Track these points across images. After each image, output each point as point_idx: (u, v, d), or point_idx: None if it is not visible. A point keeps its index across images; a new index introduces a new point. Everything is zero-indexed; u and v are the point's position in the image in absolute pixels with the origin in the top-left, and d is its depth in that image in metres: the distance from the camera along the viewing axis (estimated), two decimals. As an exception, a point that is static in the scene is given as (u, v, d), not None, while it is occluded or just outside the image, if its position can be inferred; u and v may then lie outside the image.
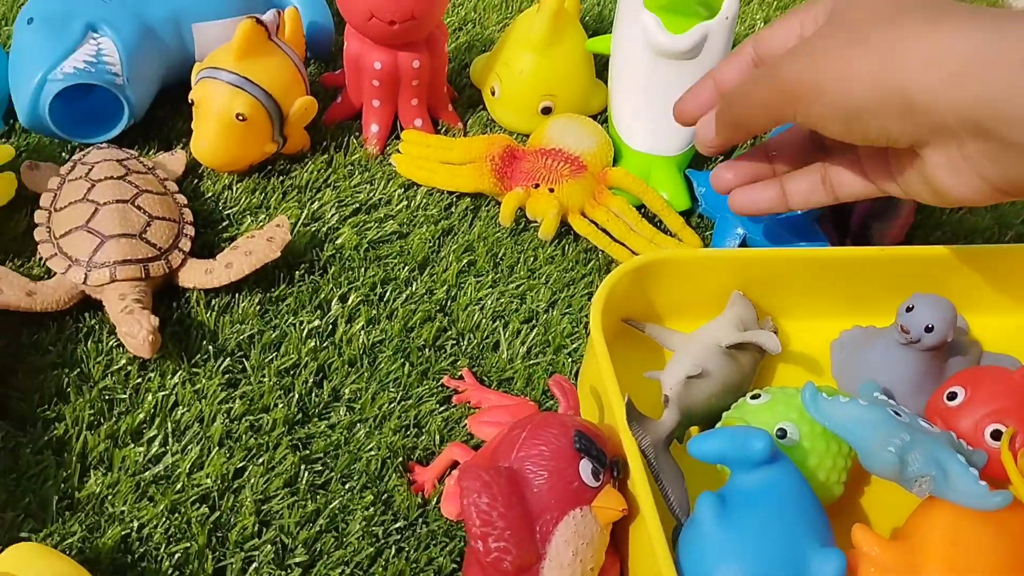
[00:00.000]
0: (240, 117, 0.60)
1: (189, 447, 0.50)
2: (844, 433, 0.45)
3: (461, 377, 0.56)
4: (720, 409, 0.51)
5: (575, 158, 0.65)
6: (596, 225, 0.63)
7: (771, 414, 0.48)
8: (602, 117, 0.74)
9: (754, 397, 0.50)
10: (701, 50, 0.65)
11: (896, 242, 0.65)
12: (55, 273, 0.54)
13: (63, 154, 0.64)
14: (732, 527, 0.41)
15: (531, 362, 0.57)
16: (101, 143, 0.62)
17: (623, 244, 0.62)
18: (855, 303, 0.60)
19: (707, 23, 0.65)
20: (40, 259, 0.57)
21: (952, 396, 0.50)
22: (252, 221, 0.62)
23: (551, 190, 0.63)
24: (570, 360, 0.57)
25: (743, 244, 0.65)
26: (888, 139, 0.42)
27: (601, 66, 0.75)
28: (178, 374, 0.53)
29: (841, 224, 0.67)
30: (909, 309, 0.52)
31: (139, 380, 0.53)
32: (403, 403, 0.54)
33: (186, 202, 0.60)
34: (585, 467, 0.43)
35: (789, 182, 0.52)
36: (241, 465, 0.50)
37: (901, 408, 0.47)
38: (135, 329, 0.50)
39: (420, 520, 0.49)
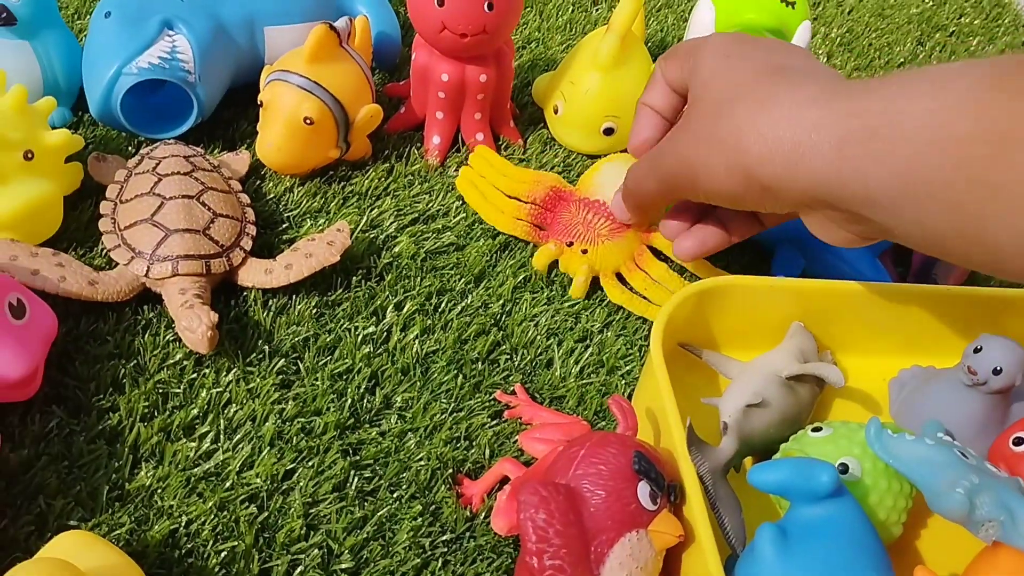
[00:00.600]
0: (308, 121, 0.60)
1: (240, 445, 0.50)
2: (909, 472, 0.44)
3: (514, 392, 0.55)
4: (777, 440, 0.50)
5: None
6: (633, 290, 0.62)
7: (833, 447, 0.47)
8: (663, 141, 0.74)
9: (815, 430, 0.49)
10: (770, 78, 0.64)
11: (959, 282, 0.64)
12: (117, 264, 0.55)
13: (129, 148, 0.65)
14: (793, 560, 0.40)
15: (584, 381, 0.57)
16: (168, 139, 0.63)
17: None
18: (915, 342, 0.59)
19: (777, 52, 0.64)
20: (103, 249, 0.57)
21: (1019, 441, 0.49)
22: (312, 225, 0.62)
23: (584, 251, 0.62)
24: (623, 382, 0.57)
25: (802, 275, 0.64)
26: (768, 209, 0.46)
27: (663, 91, 0.75)
28: (232, 372, 0.53)
29: (902, 261, 0.66)
30: (977, 350, 0.51)
31: (194, 375, 0.53)
32: (454, 415, 0.53)
33: (249, 201, 0.60)
34: (643, 489, 0.42)
35: (729, 220, 0.55)
36: (291, 467, 0.50)
37: (967, 450, 0.46)
38: (195, 324, 0.50)
39: (468, 534, 0.49)
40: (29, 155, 0.54)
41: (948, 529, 0.46)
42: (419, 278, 0.60)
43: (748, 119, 0.42)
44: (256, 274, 0.56)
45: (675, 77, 0.52)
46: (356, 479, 0.49)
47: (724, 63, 0.46)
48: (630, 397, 0.56)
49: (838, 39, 0.93)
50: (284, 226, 0.62)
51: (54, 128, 0.56)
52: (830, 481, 0.41)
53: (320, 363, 0.54)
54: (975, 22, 1.01)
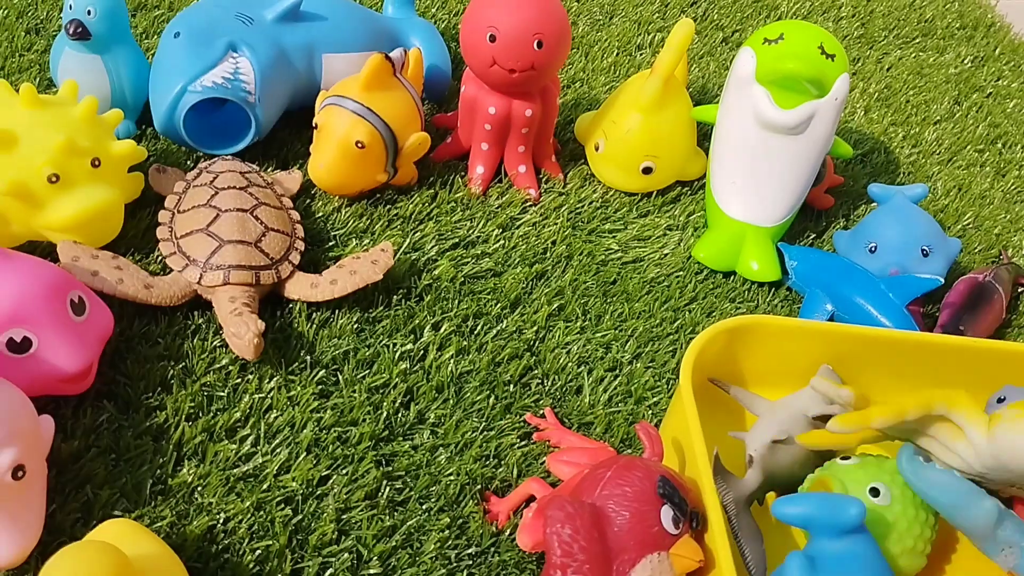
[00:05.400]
0: (359, 144, 0.63)
1: (279, 450, 0.52)
2: (937, 494, 0.46)
3: (543, 415, 0.57)
4: (800, 477, 0.51)
5: None
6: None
7: (864, 473, 0.48)
8: (699, 183, 0.76)
9: (844, 458, 0.50)
10: (807, 127, 0.66)
11: (986, 336, 0.65)
12: (171, 270, 0.57)
13: (188, 161, 0.68)
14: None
15: (612, 409, 0.58)
16: (226, 155, 0.66)
17: None
18: (940, 391, 0.60)
19: (816, 102, 0.66)
20: (159, 256, 0.59)
21: (1039, 491, 0.49)
22: (357, 244, 0.65)
23: None
24: (650, 412, 0.58)
25: (831, 319, 0.65)
26: None
27: (702, 135, 0.77)
28: (275, 379, 0.55)
29: (929, 314, 0.67)
30: (1001, 400, 0.52)
31: (238, 381, 0.55)
32: (485, 433, 0.55)
33: (299, 218, 0.63)
34: (666, 513, 0.44)
35: None
36: (326, 473, 0.51)
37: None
38: (242, 331, 0.53)
39: (493, 549, 0.50)
40: (96, 163, 0.57)
41: (965, 567, 0.47)
42: (457, 301, 0.62)
43: None
44: (302, 287, 0.58)
45: None
46: (388, 489, 0.51)
47: None
48: (657, 428, 0.57)
49: (876, 94, 0.95)
50: (330, 244, 0.64)
51: (119, 139, 0.59)
52: (858, 514, 0.42)
53: (358, 376, 0.56)
54: (1013, 85, 1.02)
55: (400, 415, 0.55)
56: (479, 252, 0.66)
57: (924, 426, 0.48)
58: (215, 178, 0.61)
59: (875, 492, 0.47)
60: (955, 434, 0.47)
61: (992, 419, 0.46)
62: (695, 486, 0.47)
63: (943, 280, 0.65)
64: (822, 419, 0.53)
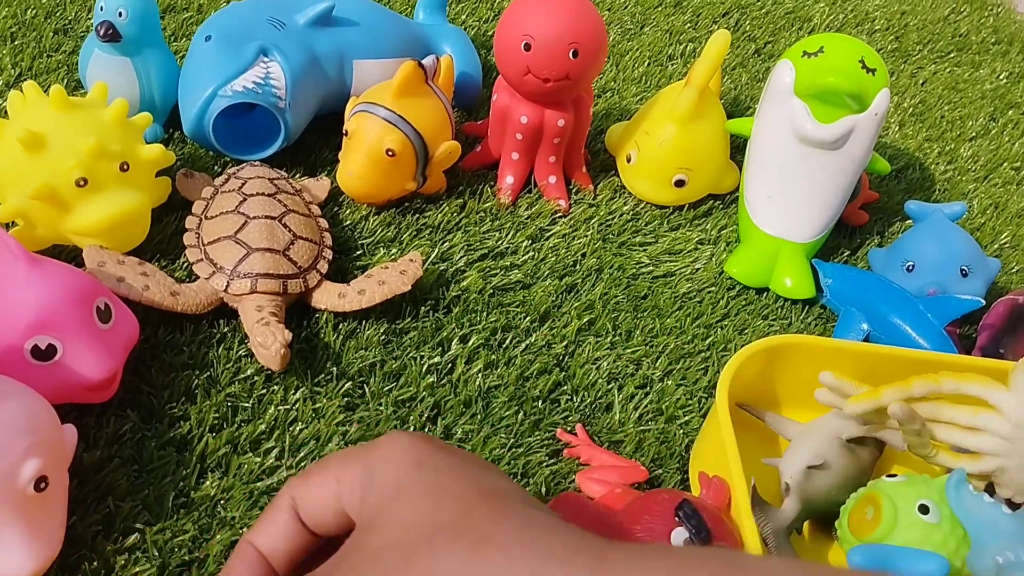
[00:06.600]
0: (390, 152, 0.62)
1: (304, 463, 0.51)
2: (971, 525, 0.45)
3: (574, 432, 0.55)
4: (838, 503, 0.50)
5: None
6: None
7: (912, 490, 0.47)
8: (732, 197, 0.75)
9: (890, 476, 0.49)
10: (846, 142, 0.65)
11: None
12: (198, 277, 0.56)
13: (215, 167, 0.67)
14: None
15: (642, 428, 0.57)
16: (254, 161, 0.65)
17: None
18: (979, 416, 0.58)
19: (855, 117, 0.65)
20: (185, 263, 0.59)
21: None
22: (385, 253, 0.64)
23: None
24: (682, 432, 0.57)
25: (866, 340, 0.64)
26: None
27: (735, 148, 0.75)
28: (300, 391, 0.54)
29: (966, 336, 0.65)
30: None
31: (263, 391, 0.54)
32: (513, 450, 0.54)
33: (327, 227, 0.62)
34: (678, 535, 0.43)
35: None
36: (351, 488, 0.50)
37: None
38: (269, 340, 0.52)
39: (520, 570, 0.49)
40: (125, 167, 0.56)
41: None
42: (485, 313, 0.61)
43: (459, 567, 0.28)
44: (330, 297, 0.57)
45: (323, 500, 0.33)
46: (414, 506, 0.50)
47: (415, 475, 0.32)
48: (688, 448, 0.56)
49: (910, 109, 0.93)
50: (358, 252, 0.64)
51: (148, 143, 0.59)
52: (939, 570, 0.42)
53: (385, 389, 0.55)
54: (1049, 101, 1.00)
55: (427, 429, 0.54)
56: (508, 264, 0.65)
57: (940, 414, 0.48)
58: (243, 184, 0.60)
59: (924, 509, 0.46)
60: (975, 408, 0.47)
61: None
62: (730, 518, 0.46)
63: (984, 301, 0.63)
64: (856, 441, 0.52)
